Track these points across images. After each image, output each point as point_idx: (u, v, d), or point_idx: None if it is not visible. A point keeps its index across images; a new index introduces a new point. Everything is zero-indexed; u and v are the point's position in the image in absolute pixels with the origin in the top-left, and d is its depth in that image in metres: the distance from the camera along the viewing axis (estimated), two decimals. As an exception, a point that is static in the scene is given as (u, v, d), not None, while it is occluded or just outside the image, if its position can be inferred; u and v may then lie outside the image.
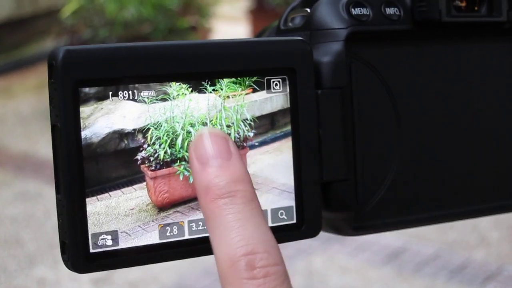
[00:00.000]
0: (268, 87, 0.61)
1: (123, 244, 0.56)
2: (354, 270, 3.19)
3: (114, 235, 0.55)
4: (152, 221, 0.56)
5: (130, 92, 0.56)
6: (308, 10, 0.67)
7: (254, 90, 0.60)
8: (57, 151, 0.54)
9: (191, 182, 0.58)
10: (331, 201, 0.64)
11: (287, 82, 0.61)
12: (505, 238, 3.41)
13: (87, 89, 0.54)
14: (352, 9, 0.65)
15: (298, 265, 3.24)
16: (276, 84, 0.61)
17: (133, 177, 0.56)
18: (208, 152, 0.50)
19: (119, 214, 0.55)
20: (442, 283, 3.06)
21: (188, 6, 6.14)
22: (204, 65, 0.58)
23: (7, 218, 3.87)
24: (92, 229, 0.54)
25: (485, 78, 0.73)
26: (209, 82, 0.58)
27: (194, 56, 0.58)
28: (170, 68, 0.57)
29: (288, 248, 3.34)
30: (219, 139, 0.51)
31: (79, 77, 0.54)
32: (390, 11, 0.67)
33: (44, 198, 4.04)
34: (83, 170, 0.54)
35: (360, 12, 0.66)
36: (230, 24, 7.84)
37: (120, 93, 0.55)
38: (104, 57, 0.55)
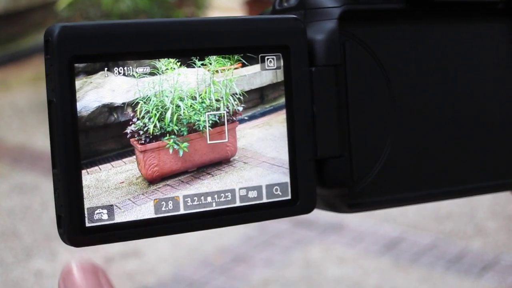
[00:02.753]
0: (263, 64, 0.61)
1: (119, 218, 0.56)
2: (351, 261, 3.20)
3: (110, 209, 0.56)
4: (142, 194, 0.57)
5: (119, 66, 0.56)
6: None
7: (243, 65, 0.60)
8: (53, 126, 0.55)
9: (181, 155, 0.58)
10: (326, 177, 0.65)
11: (281, 59, 0.61)
12: (502, 228, 3.42)
13: (80, 64, 0.55)
14: None
15: (295, 255, 3.25)
16: (270, 61, 0.61)
17: (122, 151, 0.56)
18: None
19: (109, 187, 0.55)
20: (439, 273, 3.07)
21: (184, -3, 6.14)
22: (198, 42, 0.59)
23: (4, 211, 3.87)
24: (86, 203, 0.55)
25: (478, 57, 0.73)
26: (198, 57, 0.58)
27: (188, 33, 0.59)
28: (165, 44, 0.57)
29: (285, 239, 3.35)
30: (89, 274, 0.51)
31: (75, 53, 0.54)
32: None
33: (41, 190, 4.04)
34: (78, 144, 0.55)
35: None
36: (226, 15, 7.83)
37: (109, 67, 0.56)
38: (99, 33, 0.55)
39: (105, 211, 0.55)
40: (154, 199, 0.57)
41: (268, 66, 0.61)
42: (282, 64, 0.62)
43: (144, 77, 0.57)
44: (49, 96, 0.55)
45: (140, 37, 0.57)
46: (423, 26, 0.70)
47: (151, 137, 0.57)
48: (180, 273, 3.13)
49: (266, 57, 0.61)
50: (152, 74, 0.57)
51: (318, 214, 3.39)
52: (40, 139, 4.86)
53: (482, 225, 3.45)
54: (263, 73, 0.61)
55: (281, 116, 0.62)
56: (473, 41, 0.73)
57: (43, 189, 4.05)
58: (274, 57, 0.62)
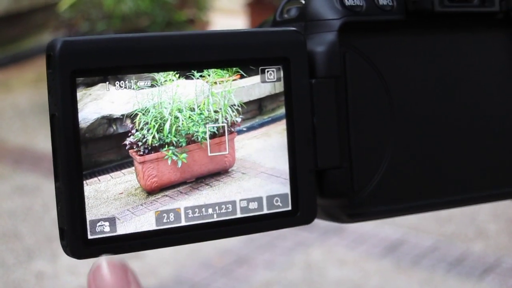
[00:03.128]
0: (263, 76, 0.61)
1: (121, 230, 0.57)
2: (353, 263, 3.20)
3: (112, 221, 0.56)
4: (141, 205, 0.57)
5: (120, 80, 0.56)
6: (303, 1, 0.68)
7: (242, 76, 0.61)
8: (55, 139, 0.56)
9: (180, 166, 0.58)
10: (326, 188, 0.65)
11: (281, 71, 0.62)
12: (503, 230, 3.42)
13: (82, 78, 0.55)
14: (346, 0, 0.66)
15: (296, 257, 3.25)
16: (270, 74, 0.62)
17: (121, 162, 0.57)
18: (106, 284, 0.52)
19: (108, 198, 0.56)
20: (440, 275, 3.07)
21: (186, -1, 6.13)
22: (198, 55, 0.59)
23: (5, 212, 3.87)
24: (89, 215, 0.55)
25: (478, 68, 0.73)
26: (196, 70, 0.59)
27: (188, 46, 0.59)
28: (165, 58, 0.58)
29: (287, 241, 3.35)
30: (118, 270, 0.52)
31: (76, 67, 0.55)
32: (383, 1, 0.68)
33: (42, 191, 4.04)
34: (81, 159, 0.55)
35: (354, 2, 0.66)
36: (228, 17, 7.83)
37: (110, 80, 0.56)
38: (100, 47, 0.56)
39: (107, 223, 0.56)
40: (156, 211, 0.58)
41: (268, 78, 0.62)
42: (282, 76, 0.62)
43: (143, 88, 0.57)
44: (52, 110, 0.56)
45: (141, 51, 0.57)
46: (423, 37, 0.70)
47: (150, 148, 0.57)
48: (181, 275, 3.14)
49: (266, 70, 0.62)
50: (151, 86, 0.57)
51: (319, 216, 3.38)
52: (41, 140, 4.86)
53: (483, 227, 3.45)
54: (262, 85, 0.62)
55: (280, 126, 0.62)
56: (472, 52, 0.73)
57: (45, 190, 4.05)
58: (274, 69, 0.62)
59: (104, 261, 0.53)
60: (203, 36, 0.60)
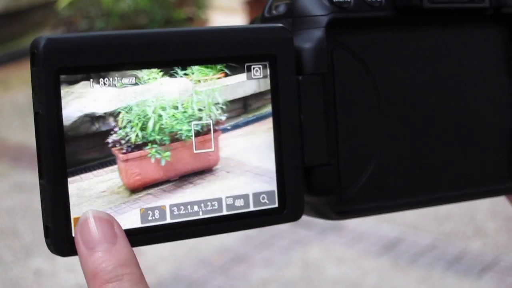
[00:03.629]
0: (249, 74, 0.61)
1: None
2: (350, 261, 3.20)
3: None
4: (124, 203, 0.57)
5: (104, 77, 0.56)
6: None
7: (226, 75, 0.60)
8: (39, 137, 0.56)
9: (163, 164, 0.58)
10: (314, 185, 0.65)
11: (268, 68, 0.61)
12: (501, 229, 3.42)
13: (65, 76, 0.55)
14: None
15: (294, 256, 3.25)
16: (256, 71, 0.61)
17: (104, 160, 0.56)
18: (94, 236, 0.52)
19: (90, 196, 0.56)
20: (438, 273, 3.07)
21: (185, -3, 6.14)
22: (183, 52, 0.59)
23: (4, 210, 3.88)
24: (73, 213, 0.55)
25: (467, 64, 0.73)
26: (180, 67, 0.59)
27: (173, 44, 0.59)
28: (151, 55, 0.58)
29: (284, 239, 3.35)
30: (104, 223, 0.53)
31: (60, 65, 0.55)
32: None
33: (41, 189, 4.04)
34: (65, 156, 0.55)
35: None
36: (227, 15, 7.83)
37: (94, 78, 0.56)
38: (84, 45, 0.56)
39: None
40: (141, 208, 0.57)
41: (254, 75, 0.61)
42: (268, 73, 0.62)
43: (126, 86, 0.57)
44: (35, 108, 0.56)
45: (125, 49, 0.57)
46: (412, 33, 0.70)
47: (133, 146, 0.57)
48: (179, 273, 3.14)
49: (252, 66, 0.61)
50: (134, 84, 0.57)
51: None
52: (40, 138, 4.85)
53: (481, 226, 3.45)
54: (247, 83, 0.61)
55: (265, 125, 0.62)
56: (462, 48, 0.73)
57: (43, 188, 4.04)
58: (261, 66, 0.62)
59: (91, 215, 0.53)
60: (188, 33, 0.60)
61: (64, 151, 0.55)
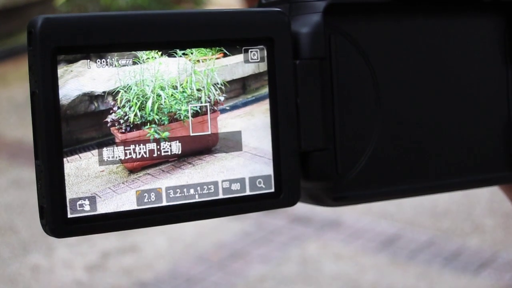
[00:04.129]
0: (246, 57, 0.61)
1: (101, 209, 0.56)
2: (348, 257, 3.20)
3: (92, 200, 0.56)
4: (123, 183, 0.57)
5: (102, 57, 0.56)
6: None
7: (225, 55, 0.60)
8: (35, 117, 0.55)
9: (162, 144, 0.58)
10: (310, 170, 0.65)
11: (265, 52, 0.61)
12: (499, 225, 3.42)
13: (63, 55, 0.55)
14: None
15: (292, 252, 3.24)
16: (253, 54, 0.61)
17: (103, 139, 0.56)
18: None
19: (89, 175, 0.56)
20: (436, 270, 3.07)
21: (183, -6, 6.13)
22: (181, 34, 0.59)
23: (1, 206, 3.87)
24: (68, 193, 0.55)
25: (465, 52, 0.73)
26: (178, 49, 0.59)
27: (171, 25, 0.59)
28: (148, 36, 0.58)
29: (282, 235, 3.35)
30: None
31: (57, 44, 0.55)
32: None
33: (39, 185, 4.03)
34: (61, 136, 0.55)
35: None
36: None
37: (91, 58, 0.56)
38: (81, 25, 0.56)
39: (87, 201, 0.56)
40: (137, 190, 0.57)
41: (251, 58, 0.61)
42: (266, 56, 0.62)
43: (125, 66, 0.57)
44: (32, 87, 0.55)
45: (122, 29, 0.57)
46: (409, 20, 0.70)
47: (131, 126, 0.57)
48: (177, 269, 3.13)
49: (250, 50, 0.61)
50: (133, 63, 0.57)
51: (315, 210, 3.39)
52: (38, 134, 4.84)
53: (479, 222, 3.45)
54: (245, 64, 0.61)
55: (264, 106, 0.62)
56: (460, 36, 0.73)
57: (41, 184, 4.04)
58: (258, 49, 0.62)
59: None
60: (186, 15, 0.60)
61: (61, 131, 0.55)
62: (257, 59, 0.61)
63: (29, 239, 3.47)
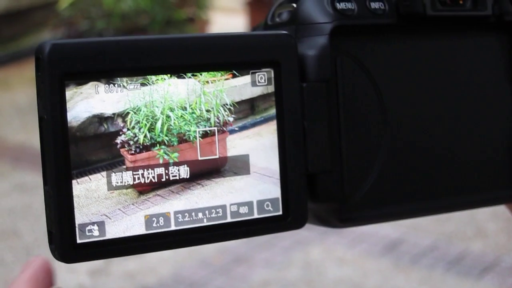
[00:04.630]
0: (253, 80, 0.61)
1: (110, 234, 0.56)
2: (352, 261, 3.20)
3: (101, 225, 0.56)
4: (132, 204, 0.57)
5: (110, 82, 0.56)
6: (294, 5, 0.68)
7: (234, 76, 0.60)
8: (44, 142, 0.55)
9: (171, 165, 0.58)
10: (317, 192, 0.65)
11: (272, 75, 0.62)
12: (502, 230, 3.42)
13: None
14: (337, 4, 0.66)
15: (295, 256, 3.25)
16: (261, 78, 0.61)
17: (113, 161, 0.56)
18: None
19: (99, 197, 0.56)
20: (439, 274, 3.07)
21: (186, -3, 6.14)
22: (189, 58, 0.59)
23: (5, 210, 3.88)
24: (78, 218, 0.55)
25: (470, 72, 0.73)
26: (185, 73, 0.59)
27: (179, 50, 0.59)
28: (156, 61, 0.58)
29: (286, 240, 3.35)
30: None
31: (65, 71, 0.55)
32: (375, 5, 0.67)
33: (42, 189, 4.02)
34: (70, 162, 0.55)
35: (345, 6, 0.66)
36: (228, 15, 7.84)
37: (100, 81, 0.56)
38: (89, 50, 0.56)
39: (96, 227, 0.56)
40: (145, 215, 0.57)
41: (258, 82, 0.61)
42: (273, 79, 0.62)
43: (134, 87, 0.57)
44: (40, 113, 0.56)
45: (131, 54, 0.57)
46: (415, 41, 0.70)
47: (141, 147, 0.57)
48: (180, 273, 3.14)
49: (257, 73, 0.61)
50: (142, 84, 0.57)
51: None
52: (41, 138, 4.85)
53: (482, 226, 3.45)
54: (253, 87, 0.61)
55: (272, 126, 0.62)
56: (465, 56, 0.73)
57: (44, 188, 4.04)
58: (265, 72, 0.62)
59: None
60: (193, 39, 0.60)
61: (69, 158, 0.55)
62: (265, 82, 0.61)
63: (33, 244, 3.48)
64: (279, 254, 3.27)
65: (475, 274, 3.07)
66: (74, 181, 0.55)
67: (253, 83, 0.61)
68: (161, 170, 0.58)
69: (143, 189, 0.57)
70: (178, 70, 0.58)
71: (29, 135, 5.02)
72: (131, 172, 0.57)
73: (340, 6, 0.66)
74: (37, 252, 3.38)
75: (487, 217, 3.50)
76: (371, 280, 3.07)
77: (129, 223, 0.56)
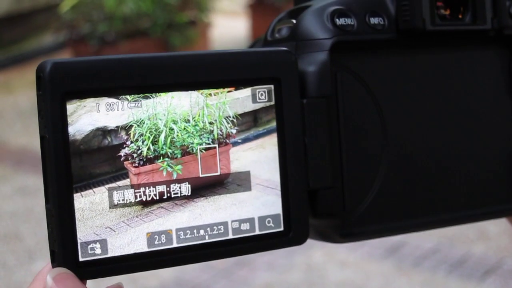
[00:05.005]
0: (254, 96, 0.61)
1: (112, 252, 0.57)
2: (354, 264, 3.20)
3: (103, 243, 0.56)
4: (136, 216, 0.57)
5: (111, 96, 0.57)
6: (294, 21, 0.68)
7: (237, 88, 0.60)
8: (46, 161, 0.56)
9: (175, 178, 0.58)
10: (318, 208, 0.65)
11: (273, 91, 0.62)
12: (504, 232, 3.42)
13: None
14: (337, 19, 0.66)
15: (297, 259, 3.25)
16: (261, 94, 0.62)
17: (116, 174, 0.56)
18: None
19: (103, 209, 0.56)
20: (441, 277, 3.07)
21: (187, 0, 6.13)
22: (190, 76, 0.59)
23: (7, 213, 3.87)
24: (80, 236, 0.55)
25: (470, 86, 0.73)
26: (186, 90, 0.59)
27: (179, 67, 0.59)
28: (156, 79, 0.58)
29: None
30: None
31: (67, 89, 0.55)
32: (374, 20, 0.67)
33: (43, 192, 4.03)
34: (72, 182, 0.55)
35: (345, 22, 0.66)
36: (230, 18, 7.84)
37: (102, 97, 0.56)
38: (90, 69, 0.56)
39: (98, 245, 0.56)
40: (147, 233, 0.58)
41: (259, 98, 0.62)
42: (273, 96, 0.62)
43: (138, 100, 0.57)
44: (42, 132, 0.56)
45: (131, 73, 0.57)
46: (415, 56, 0.70)
47: (145, 159, 0.57)
48: (182, 276, 3.14)
49: (258, 90, 0.62)
50: (145, 97, 0.57)
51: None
52: (43, 141, 4.85)
53: (484, 229, 3.45)
54: (253, 104, 0.62)
55: (274, 138, 0.62)
56: (465, 70, 0.73)
57: (46, 191, 4.04)
58: (266, 89, 0.62)
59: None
60: (193, 57, 0.60)
61: (71, 177, 0.55)
62: (265, 98, 0.62)
63: (35, 247, 3.47)
64: (281, 257, 3.27)
65: (477, 276, 3.06)
66: (78, 194, 0.55)
67: (254, 99, 0.61)
68: (162, 188, 0.58)
69: (147, 201, 0.57)
70: (179, 88, 0.58)
71: (31, 139, 5.01)
72: (132, 190, 0.57)
73: (340, 22, 0.66)
74: (39, 255, 3.38)
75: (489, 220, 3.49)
76: (373, 283, 3.07)
77: (133, 235, 0.56)
